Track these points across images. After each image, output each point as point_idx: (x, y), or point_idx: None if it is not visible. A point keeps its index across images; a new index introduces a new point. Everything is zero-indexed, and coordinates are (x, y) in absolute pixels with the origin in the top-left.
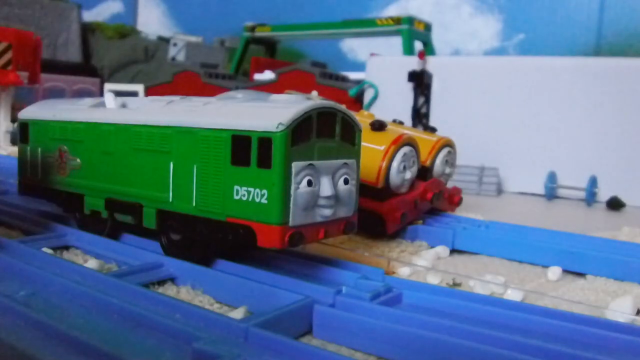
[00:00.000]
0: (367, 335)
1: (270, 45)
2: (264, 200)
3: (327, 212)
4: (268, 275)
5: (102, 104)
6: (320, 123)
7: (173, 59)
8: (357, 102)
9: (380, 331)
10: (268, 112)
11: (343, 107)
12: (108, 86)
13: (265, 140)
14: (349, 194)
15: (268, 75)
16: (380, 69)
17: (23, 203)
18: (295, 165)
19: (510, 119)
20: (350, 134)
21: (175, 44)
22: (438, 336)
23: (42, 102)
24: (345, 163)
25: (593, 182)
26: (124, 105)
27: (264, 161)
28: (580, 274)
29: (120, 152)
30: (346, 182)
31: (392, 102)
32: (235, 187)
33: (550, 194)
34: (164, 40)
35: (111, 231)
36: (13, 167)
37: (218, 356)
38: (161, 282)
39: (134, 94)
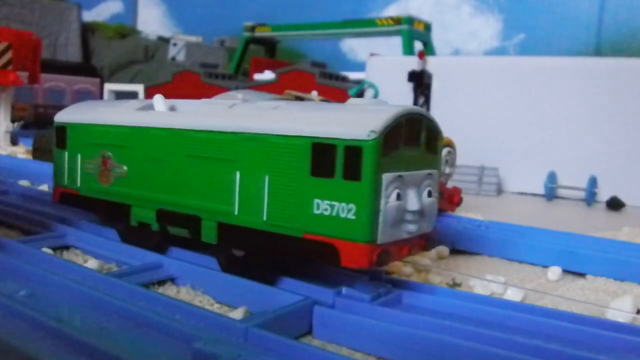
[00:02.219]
0: (367, 336)
1: (270, 45)
2: (350, 216)
3: (413, 227)
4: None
5: (150, 107)
6: (408, 130)
7: (173, 59)
8: None
9: (380, 332)
10: (355, 118)
11: (426, 111)
12: (108, 86)
13: (354, 150)
14: (432, 207)
15: (268, 75)
16: (380, 69)
17: (23, 203)
18: (386, 177)
19: (510, 119)
20: (433, 142)
21: (175, 44)
22: (438, 337)
23: (81, 103)
24: (430, 174)
25: (593, 182)
26: (173, 108)
27: (352, 172)
28: (580, 274)
29: (174, 159)
30: (430, 194)
31: (392, 102)
32: (316, 200)
33: (550, 194)
34: (164, 40)
35: (160, 244)
36: (13, 167)
37: (218, 356)
38: (161, 282)
39: (134, 94)
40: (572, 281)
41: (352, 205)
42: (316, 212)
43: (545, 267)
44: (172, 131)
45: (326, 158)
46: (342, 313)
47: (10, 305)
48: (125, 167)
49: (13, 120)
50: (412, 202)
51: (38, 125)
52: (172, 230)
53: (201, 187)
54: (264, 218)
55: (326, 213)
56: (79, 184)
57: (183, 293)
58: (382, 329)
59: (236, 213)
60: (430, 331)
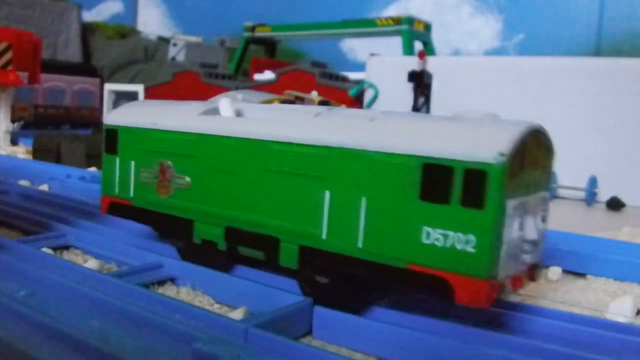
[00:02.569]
0: (367, 337)
1: (270, 45)
2: (469, 248)
3: (528, 258)
4: (268, 276)
5: (214, 111)
6: (531, 149)
7: (173, 59)
8: (357, 102)
9: (380, 332)
10: (476, 135)
11: (542, 127)
12: (108, 86)
13: (476, 174)
14: (543, 234)
15: (268, 75)
16: (380, 69)
17: (23, 203)
18: (510, 205)
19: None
20: (549, 160)
21: (175, 44)
22: (438, 337)
23: (134, 103)
24: (544, 197)
25: (593, 182)
26: (239, 114)
27: (473, 199)
28: (580, 274)
29: (249, 172)
30: (543, 220)
31: (392, 102)
32: (425, 228)
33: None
34: (164, 40)
35: (226, 264)
36: (13, 167)
37: (218, 356)
38: (161, 283)
39: (134, 94)
40: (572, 281)
41: (471, 237)
42: (425, 241)
43: (546, 267)
44: (247, 141)
45: (440, 181)
46: (342, 314)
47: (10, 305)
48: (187, 179)
49: (13, 120)
50: (530, 230)
51: (38, 125)
52: (243, 251)
53: (281, 206)
54: (359, 244)
55: (438, 243)
56: (132, 194)
57: (183, 293)
58: (382, 329)
59: (324, 237)
60: (430, 332)
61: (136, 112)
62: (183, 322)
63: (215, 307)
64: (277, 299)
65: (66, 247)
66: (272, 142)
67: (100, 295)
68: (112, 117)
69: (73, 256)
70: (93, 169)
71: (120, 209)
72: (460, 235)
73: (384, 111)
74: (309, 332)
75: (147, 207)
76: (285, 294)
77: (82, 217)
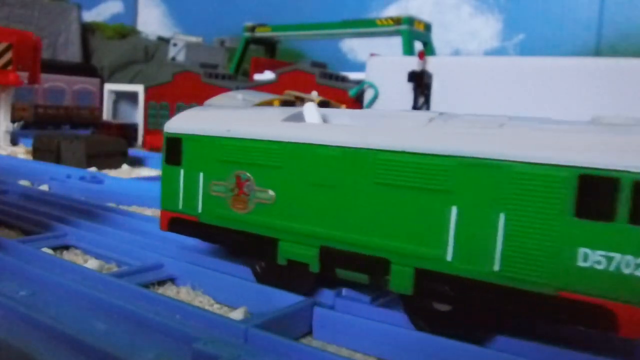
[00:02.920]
0: (367, 337)
1: (270, 46)
2: (638, 273)
3: None
4: None
5: (299, 117)
6: None
7: (173, 59)
8: (357, 102)
9: (380, 332)
10: None
11: None
12: (108, 86)
13: None
14: None
15: (268, 75)
16: (380, 69)
17: (23, 203)
18: None
19: None
20: None
21: (175, 44)
22: (437, 337)
23: (199, 109)
24: None
25: None
26: (325, 120)
27: None
28: None
29: (351, 185)
30: None
31: (392, 102)
32: (582, 249)
33: None
34: (164, 40)
35: (312, 287)
36: (13, 167)
37: (218, 356)
38: (161, 283)
39: (134, 94)
40: None
41: None
42: (582, 264)
43: None
44: (349, 151)
45: (602, 195)
46: (342, 314)
47: (10, 305)
48: (271, 192)
49: (13, 120)
50: None
51: (38, 125)
52: (341, 274)
53: (392, 223)
54: (495, 267)
55: (599, 267)
56: (199, 210)
57: (183, 293)
58: (382, 329)
59: (449, 258)
60: (430, 332)
61: (204, 119)
62: (183, 322)
63: (215, 307)
64: (277, 299)
65: (66, 247)
66: (381, 151)
67: (100, 295)
68: (175, 124)
69: (73, 256)
70: (93, 169)
71: (183, 225)
72: (629, 258)
73: (509, 116)
74: (309, 333)
75: (218, 224)
76: (286, 294)
77: (82, 217)
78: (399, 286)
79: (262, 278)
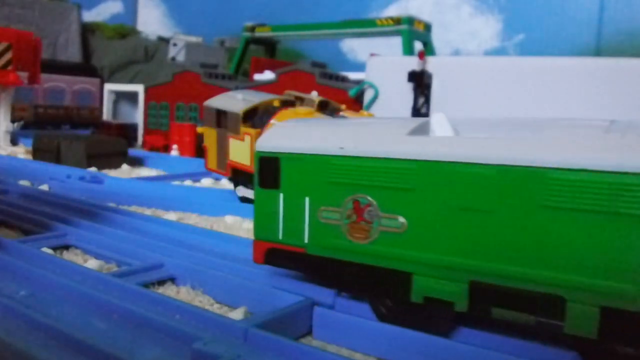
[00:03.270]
0: (367, 337)
1: (270, 45)
2: None
3: None
4: (268, 276)
5: (424, 128)
6: None
7: (173, 59)
8: (357, 102)
9: (380, 332)
10: None
11: None
12: (108, 86)
13: None
14: None
15: (268, 75)
16: (380, 69)
17: (23, 203)
18: None
19: None
20: None
21: (175, 44)
22: (437, 337)
23: (295, 122)
24: None
25: None
26: (457, 132)
27: None
28: None
29: (510, 209)
30: None
31: (392, 102)
32: None
33: None
34: (164, 40)
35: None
36: (13, 167)
37: (218, 356)
38: (161, 282)
39: (134, 94)
40: None
41: None
42: None
43: None
44: (511, 170)
45: None
46: (342, 314)
47: (10, 305)
48: (401, 219)
49: (13, 120)
50: None
51: (38, 125)
52: (499, 314)
53: (569, 254)
54: None
55: None
56: (306, 240)
57: (183, 293)
58: (382, 329)
59: None
60: (430, 332)
61: (306, 135)
62: (183, 322)
63: (215, 307)
64: (277, 299)
65: (66, 247)
66: (554, 169)
67: (100, 295)
68: (270, 141)
69: (73, 256)
70: (93, 169)
71: (286, 257)
72: None
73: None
74: (309, 332)
75: (331, 256)
76: (286, 294)
77: (82, 217)
78: (579, 327)
79: (388, 318)
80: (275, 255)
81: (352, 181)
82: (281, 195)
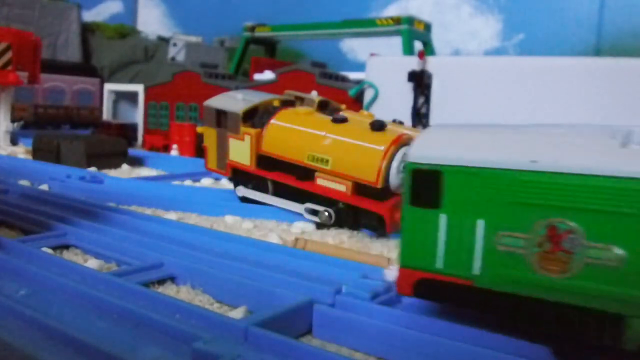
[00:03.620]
0: (367, 335)
1: (270, 45)
2: None
3: None
4: (268, 276)
5: (628, 137)
6: None
7: (173, 59)
8: (357, 102)
9: (380, 331)
10: None
11: None
12: (108, 86)
13: None
14: None
15: (268, 75)
16: (380, 69)
17: (23, 203)
18: None
19: (510, 119)
20: None
21: (175, 44)
22: (437, 337)
23: (459, 129)
24: None
25: None
26: (625, 144)
27: None
28: None
29: None
30: None
31: (392, 102)
32: None
33: None
34: (163, 40)
35: None
36: (13, 167)
37: (218, 356)
38: (161, 282)
39: (134, 94)
40: None
41: None
42: None
43: None
44: None
45: None
46: (342, 312)
47: (10, 305)
48: (617, 251)
49: (13, 120)
50: None
51: (38, 125)
52: None
53: None
54: None
55: None
56: (476, 270)
57: (183, 292)
58: (382, 328)
59: None
60: (430, 331)
61: (479, 144)
62: (183, 321)
63: (215, 307)
64: (277, 298)
65: (66, 247)
66: None
67: (100, 294)
68: (428, 150)
69: (73, 256)
70: (93, 169)
71: (445, 290)
72: None
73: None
74: (309, 332)
75: (509, 290)
76: (285, 293)
77: (82, 216)
78: None
79: None
80: (429, 287)
81: (547, 202)
82: (443, 217)
